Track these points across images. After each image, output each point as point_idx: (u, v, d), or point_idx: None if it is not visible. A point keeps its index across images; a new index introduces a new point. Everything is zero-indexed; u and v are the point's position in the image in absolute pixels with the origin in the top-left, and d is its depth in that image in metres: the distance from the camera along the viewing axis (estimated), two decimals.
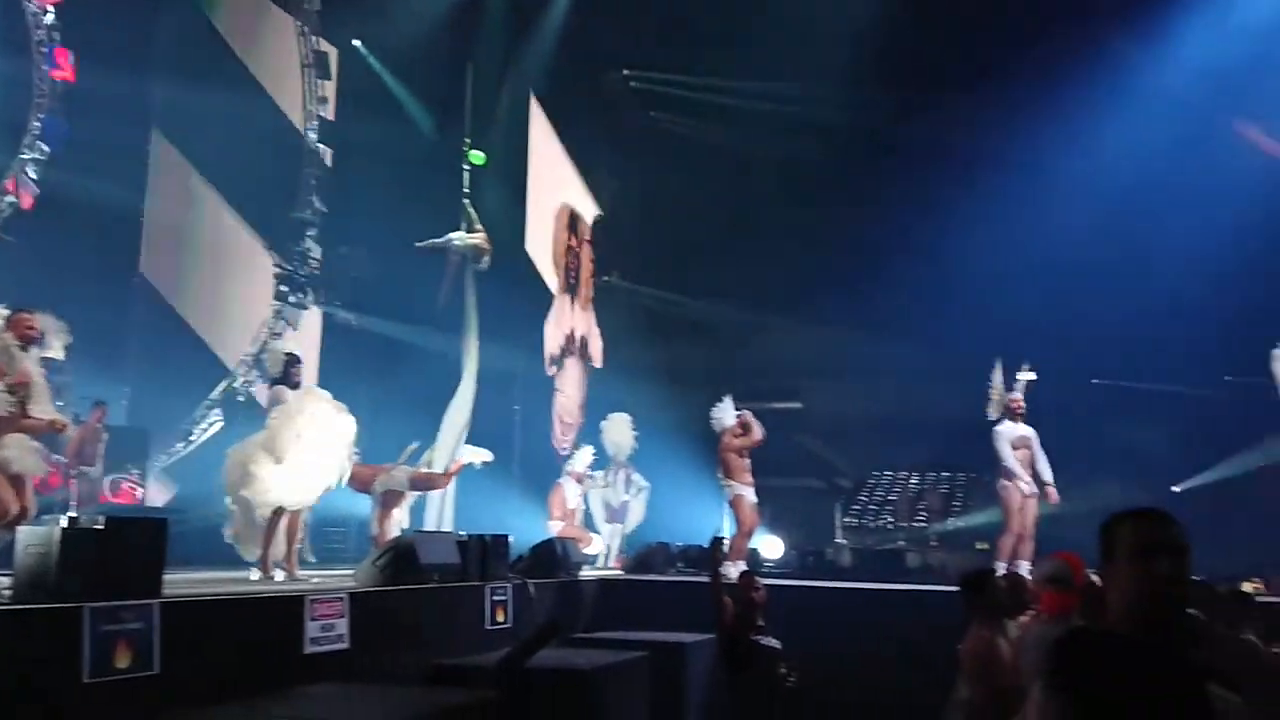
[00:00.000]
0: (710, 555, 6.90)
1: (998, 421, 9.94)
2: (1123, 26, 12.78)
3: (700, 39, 14.77)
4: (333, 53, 14.46)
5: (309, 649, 5.40)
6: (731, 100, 15.00)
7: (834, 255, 15.20)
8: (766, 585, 6.70)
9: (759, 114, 14.80)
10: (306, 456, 7.18)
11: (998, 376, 10.27)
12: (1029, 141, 13.05)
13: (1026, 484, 9.58)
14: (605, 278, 16.30)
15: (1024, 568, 8.91)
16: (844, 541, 16.42)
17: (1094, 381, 14.57)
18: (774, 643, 6.40)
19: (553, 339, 15.60)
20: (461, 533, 8.03)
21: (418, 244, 13.86)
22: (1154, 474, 16.05)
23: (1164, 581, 1.70)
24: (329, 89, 14.36)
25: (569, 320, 15.56)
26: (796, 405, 18.39)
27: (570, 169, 16.08)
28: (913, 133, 14.25)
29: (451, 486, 11.58)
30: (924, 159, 14.02)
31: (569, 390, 16.21)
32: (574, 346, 16.15)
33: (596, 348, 16.59)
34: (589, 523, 12.65)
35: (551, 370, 15.81)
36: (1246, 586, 7.97)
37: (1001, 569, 8.24)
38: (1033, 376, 10.16)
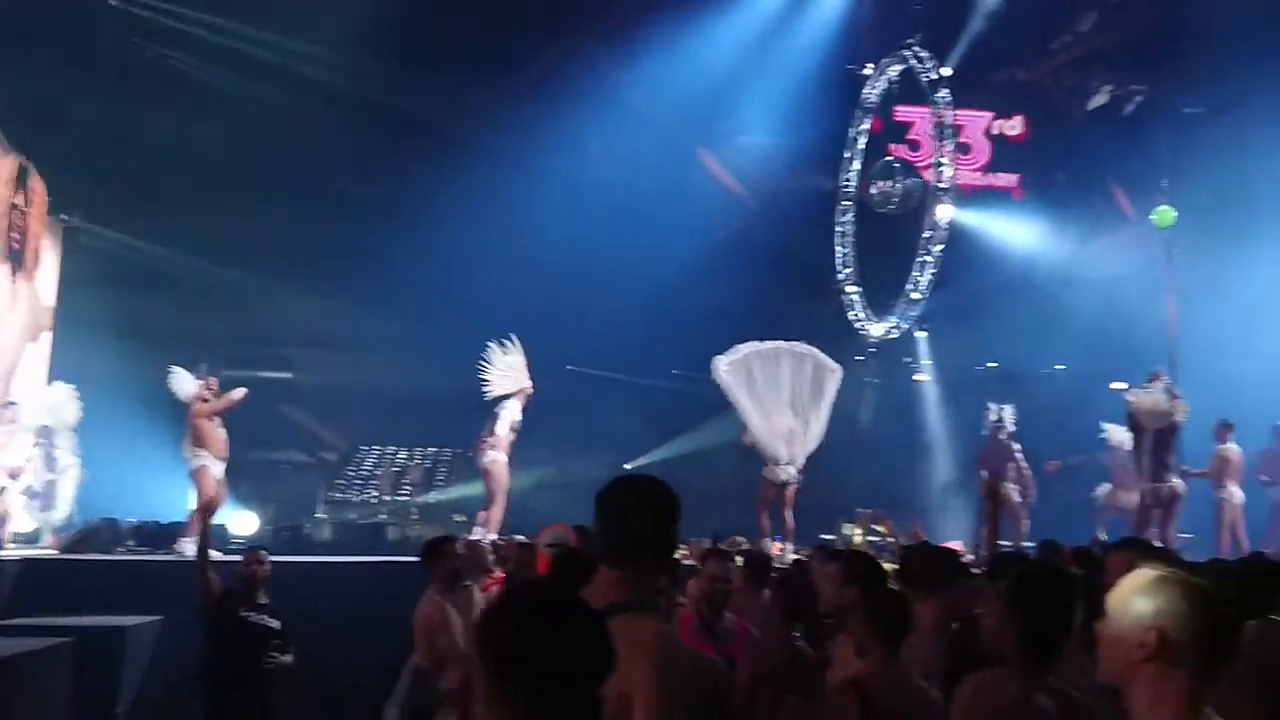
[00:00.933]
0: (199, 531, 6.31)
1: (500, 401, 10.40)
2: (606, 45, 13.94)
3: None
4: None
5: None
6: (241, 46, 13.83)
7: (331, 223, 14.75)
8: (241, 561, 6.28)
9: (269, 66, 13.83)
10: None
11: (514, 358, 10.70)
12: (526, 137, 13.75)
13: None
14: (64, 217, 14.10)
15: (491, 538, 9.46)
16: (324, 516, 16.11)
17: (569, 368, 15.83)
18: (272, 622, 6.05)
19: None
20: None
21: None
22: (615, 452, 17.98)
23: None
24: None
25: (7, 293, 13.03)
26: (287, 375, 17.65)
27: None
28: (421, 111, 14.31)
29: None
30: (428, 139, 14.15)
31: None
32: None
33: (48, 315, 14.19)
34: None
35: None
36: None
37: (480, 537, 8.63)
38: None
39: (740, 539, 10.69)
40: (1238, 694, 2.30)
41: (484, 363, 10.79)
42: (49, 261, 13.69)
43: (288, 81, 13.86)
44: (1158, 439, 9.62)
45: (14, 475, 10.00)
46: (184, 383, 9.65)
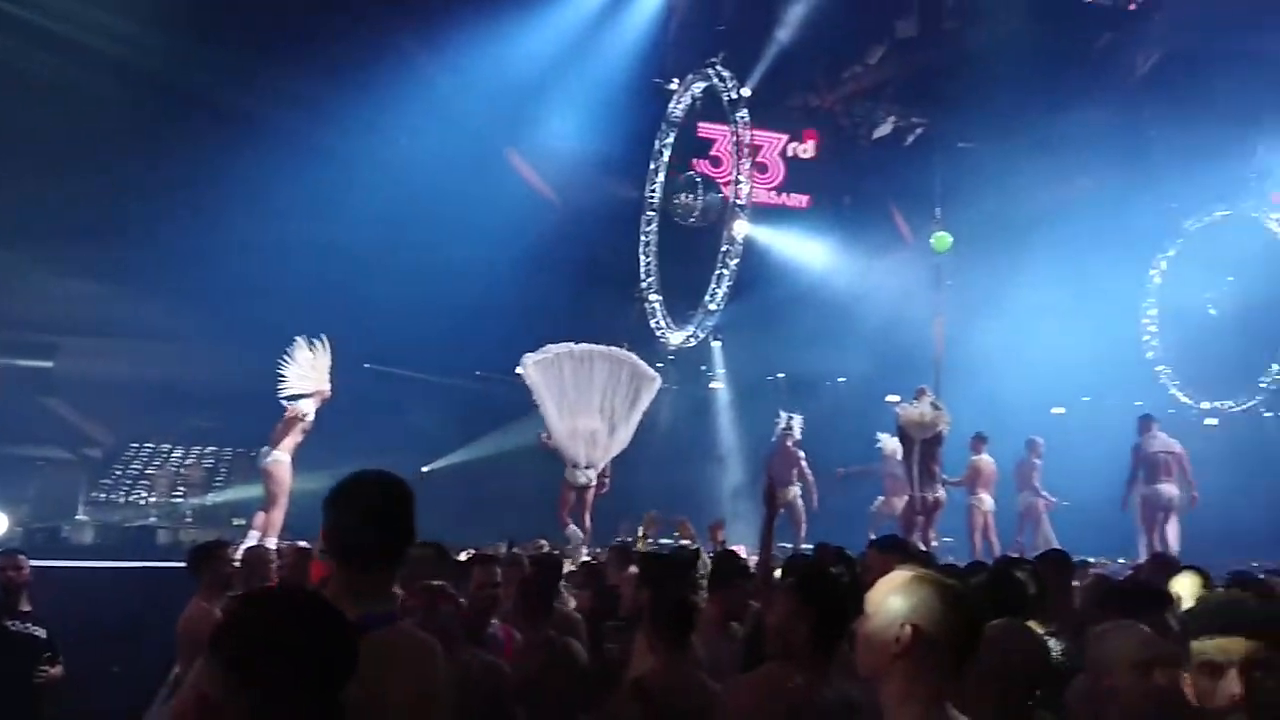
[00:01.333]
0: None
1: (295, 399, 9.94)
2: (417, 34, 13.66)
3: None
4: None
5: None
6: (10, 7, 12.54)
7: (103, 201, 13.63)
8: None
9: (42, 31, 12.60)
10: None
11: (321, 359, 10.22)
12: (327, 122, 13.23)
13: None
14: None
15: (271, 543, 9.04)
16: (86, 518, 14.94)
17: (366, 365, 15.37)
18: (38, 631, 5.51)
19: None
20: None
21: None
22: (412, 454, 17.58)
23: None
24: None
25: None
26: (46, 364, 16.25)
27: None
28: (211, 88, 13.46)
29: None
30: (218, 117, 13.32)
31: None
32: None
33: None
34: None
35: None
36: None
37: (255, 543, 8.21)
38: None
39: (543, 542, 10.72)
40: (978, 691, 2.51)
41: (286, 358, 10.31)
42: None
43: (60, 48, 12.69)
44: (923, 449, 10.39)
45: None
46: None
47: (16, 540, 11.66)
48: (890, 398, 11.69)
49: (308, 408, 9.99)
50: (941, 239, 12.95)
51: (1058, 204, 15.96)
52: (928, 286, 15.44)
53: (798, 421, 12.35)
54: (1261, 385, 16.63)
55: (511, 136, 15.45)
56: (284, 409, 9.94)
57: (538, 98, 14.68)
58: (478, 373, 17.35)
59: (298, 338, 10.22)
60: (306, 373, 10.11)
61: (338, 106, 13.07)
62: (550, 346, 11.30)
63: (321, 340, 10.26)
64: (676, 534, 11.68)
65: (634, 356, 11.44)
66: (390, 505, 2.32)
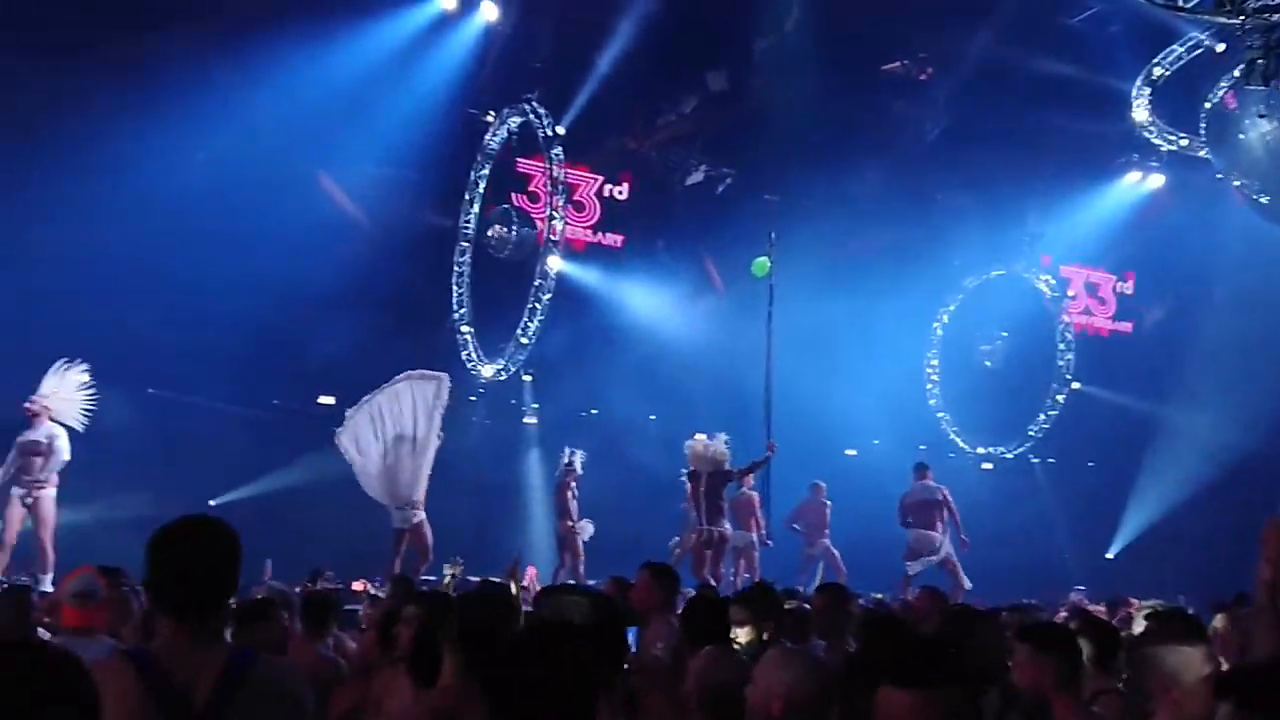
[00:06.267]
0: None
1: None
2: (220, 46, 13.11)
3: None
4: None
5: None
6: None
7: None
8: None
9: None
10: None
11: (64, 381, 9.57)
12: (114, 130, 12.42)
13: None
14: None
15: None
16: None
17: (150, 391, 14.46)
18: None
19: None
20: None
21: None
22: (199, 487, 16.56)
23: None
24: None
25: None
26: None
27: None
28: None
29: None
30: None
31: None
32: None
33: None
34: None
35: None
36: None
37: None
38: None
39: (330, 574, 10.33)
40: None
41: (51, 382, 9.61)
42: None
43: None
44: (710, 483, 10.71)
45: None
46: None
47: None
48: (698, 435, 11.96)
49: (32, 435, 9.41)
50: (761, 264, 13.43)
51: (854, 258, 16.92)
52: (736, 331, 15.93)
53: (579, 457, 12.53)
54: (1030, 433, 18.10)
55: (321, 158, 15.00)
56: (40, 438, 9.30)
57: (350, 120, 14.33)
58: (275, 402, 16.61)
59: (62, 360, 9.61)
60: (69, 398, 9.55)
61: (125, 116, 12.32)
62: (349, 412, 11.05)
63: (78, 363, 9.74)
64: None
65: (417, 371, 11.26)
66: (195, 552, 2.34)
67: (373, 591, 9.40)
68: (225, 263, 13.71)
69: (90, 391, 9.89)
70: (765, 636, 4.29)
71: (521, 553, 12.49)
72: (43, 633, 5.02)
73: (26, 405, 9.56)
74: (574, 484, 12.38)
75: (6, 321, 11.59)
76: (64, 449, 9.61)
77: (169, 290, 13.93)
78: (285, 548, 13.80)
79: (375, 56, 13.84)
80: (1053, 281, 18.18)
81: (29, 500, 9.34)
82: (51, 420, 9.60)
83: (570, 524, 12.01)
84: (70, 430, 9.85)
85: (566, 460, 12.43)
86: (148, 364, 14.31)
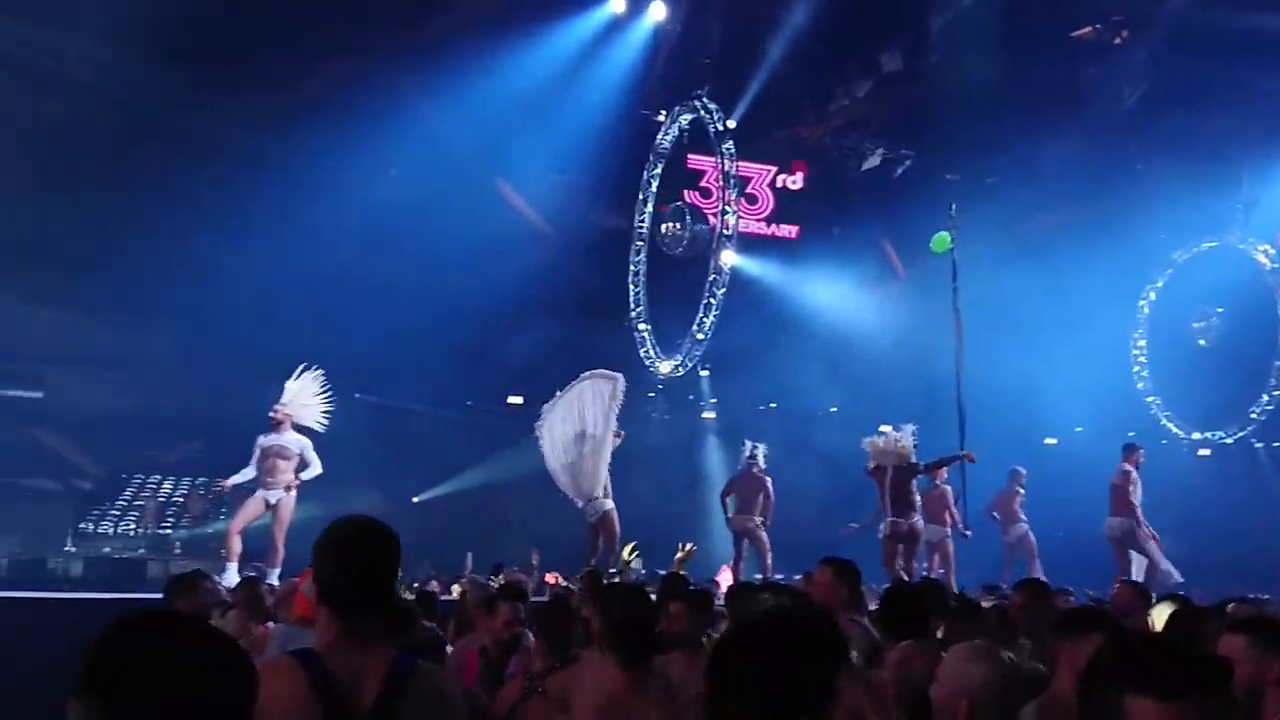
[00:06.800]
0: None
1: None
2: (405, 66, 13.76)
3: None
4: None
5: None
6: None
7: (89, 233, 13.62)
8: None
9: (18, 62, 12.58)
10: None
11: (304, 387, 10.23)
12: (313, 152, 13.27)
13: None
14: None
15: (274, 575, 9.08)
16: (74, 549, 14.90)
17: (357, 396, 15.39)
18: None
19: None
20: None
21: None
22: (402, 485, 17.55)
23: None
24: None
25: None
26: (35, 395, 16.28)
27: None
28: (193, 119, 13.48)
29: None
30: (202, 148, 13.32)
31: None
32: None
33: None
34: None
35: None
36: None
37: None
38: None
39: (518, 570, 10.71)
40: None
41: (292, 389, 10.31)
42: None
43: (38, 80, 12.69)
44: (895, 477, 10.37)
45: None
46: None
47: (3, 571, 11.67)
48: (883, 428, 11.65)
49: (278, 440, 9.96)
50: (941, 239, 12.82)
51: (1044, 235, 16.03)
52: (919, 317, 15.43)
53: (761, 450, 12.33)
54: (1252, 416, 16.61)
55: (501, 167, 15.57)
56: (286, 444, 9.93)
57: (527, 129, 14.79)
58: (468, 403, 17.38)
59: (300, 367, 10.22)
60: (309, 403, 10.12)
61: (323, 135, 13.13)
62: (545, 406, 11.35)
63: (310, 370, 10.28)
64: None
65: (597, 370, 11.42)
66: (369, 552, 2.31)
67: (564, 584, 9.62)
68: (417, 273, 14.48)
69: (325, 396, 10.33)
70: (940, 634, 4.17)
71: (699, 545, 12.48)
72: (273, 624, 5.36)
73: (271, 413, 9.91)
74: (759, 474, 12.14)
75: (230, 336, 12.60)
76: (316, 461, 9.90)
77: (368, 301, 14.85)
78: (483, 541, 14.48)
79: (548, 66, 14.22)
80: (1272, 251, 16.60)
81: (274, 501, 9.78)
82: (295, 427, 10.01)
83: (758, 520, 11.83)
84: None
85: (749, 453, 12.30)
86: (353, 371, 15.26)
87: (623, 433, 11.15)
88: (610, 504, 10.80)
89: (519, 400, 18.28)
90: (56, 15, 12.06)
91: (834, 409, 17.61)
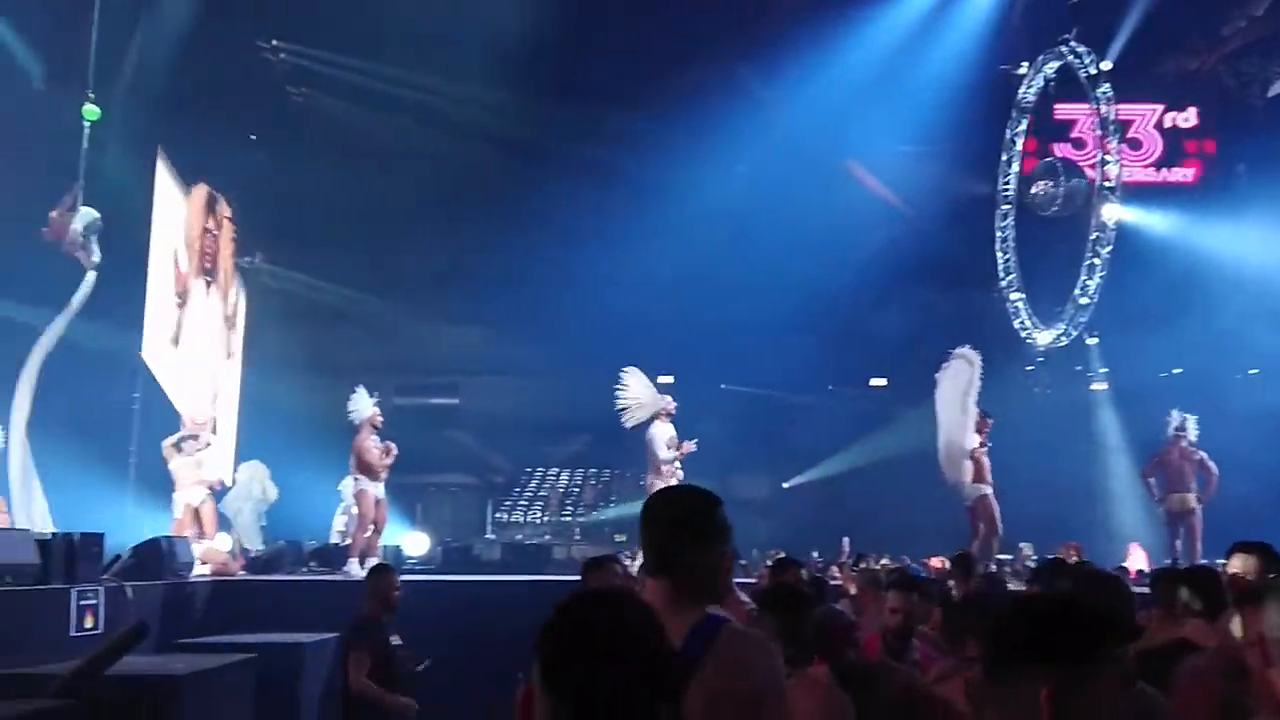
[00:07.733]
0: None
1: (645, 428, 10.59)
2: (750, 62, 13.92)
3: (353, 20, 14.04)
4: None
5: None
6: (383, 86, 14.47)
7: (488, 255, 15.27)
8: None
9: (409, 104, 14.42)
10: None
11: (638, 385, 10.87)
12: (672, 159, 13.86)
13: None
14: (248, 259, 15.23)
15: None
16: (493, 536, 16.69)
17: (723, 386, 15.86)
18: (394, 638, 6.29)
19: (173, 324, 13.90)
20: (48, 531, 7.20)
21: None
22: (772, 470, 17.86)
23: None
24: None
25: (204, 308, 14.19)
26: (453, 401, 18.43)
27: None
28: (560, 144, 14.63)
29: (37, 480, 10.43)
30: (571, 170, 14.41)
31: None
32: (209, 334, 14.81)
33: (237, 336, 15.34)
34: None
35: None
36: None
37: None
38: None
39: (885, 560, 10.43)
40: None
41: (619, 394, 11.01)
42: (232, 298, 14.86)
43: (441, 121, 14.40)
44: None
45: (213, 489, 10.75)
46: (363, 404, 10.07)
47: (436, 558, 13.35)
48: None
49: (661, 429, 10.53)
50: None
51: None
52: None
53: (1191, 421, 10.92)
54: None
55: (849, 148, 15.27)
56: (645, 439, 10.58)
57: (871, 105, 14.38)
58: (830, 388, 17.26)
59: (625, 369, 10.85)
60: (637, 401, 10.72)
61: (678, 143, 13.65)
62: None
63: (630, 369, 10.86)
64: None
65: (961, 351, 10.83)
66: (682, 517, 2.32)
67: (947, 568, 9.23)
68: (774, 263, 14.62)
69: (656, 389, 10.96)
70: None
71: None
72: None
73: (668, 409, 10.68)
74: (1189, 448, 10.84)
75: (607, 341, 13.47)
76: (659, 448, 10.55)
77: (730, 295, 15.24)
78: (855, 526, 14.29)
79: (891, 36, 13.76)
80: None
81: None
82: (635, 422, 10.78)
83: (1189, 496, 10.60)
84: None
85: (1178, 425, 10.99)
86: (718, 362, 15.78)
87: (991, 417, 10.52)
88: (985, 489, 10.23)
89: (883, 382, 17.89)
90: (441, 64, 13.63)
91: (1253, 371, 15.33)
